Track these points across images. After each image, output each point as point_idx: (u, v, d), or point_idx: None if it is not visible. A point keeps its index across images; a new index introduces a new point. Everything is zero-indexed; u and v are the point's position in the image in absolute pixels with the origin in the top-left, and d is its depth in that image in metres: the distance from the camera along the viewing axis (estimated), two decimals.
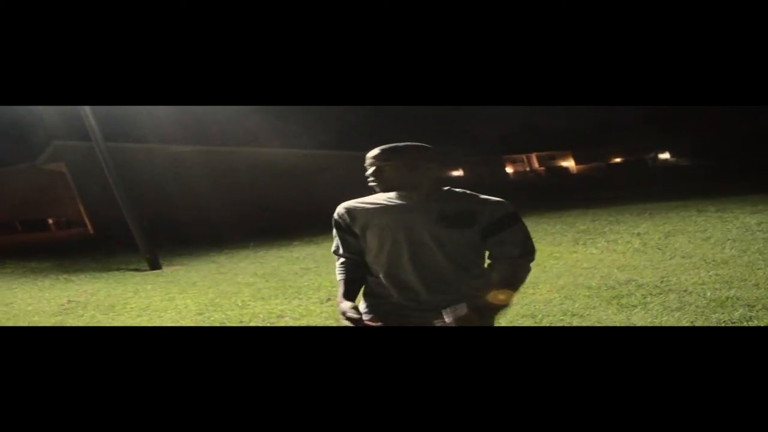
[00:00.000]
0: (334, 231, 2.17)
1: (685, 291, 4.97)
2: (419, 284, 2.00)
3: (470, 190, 2.08)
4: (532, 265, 2.09)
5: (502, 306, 2.01)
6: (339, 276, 2.16)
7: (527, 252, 2.05)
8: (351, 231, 2.12)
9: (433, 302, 1.97)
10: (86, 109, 10.28)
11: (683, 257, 6.65)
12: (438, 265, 1.99)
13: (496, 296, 1.98)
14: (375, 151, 2.00)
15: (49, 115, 15.96)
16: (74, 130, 15.36)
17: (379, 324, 1.94)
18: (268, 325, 5.22)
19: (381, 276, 2.06)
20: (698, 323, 4.04)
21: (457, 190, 2.10)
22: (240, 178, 20.42)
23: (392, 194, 2.07)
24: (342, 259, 2.19)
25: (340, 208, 2.14)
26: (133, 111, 16.70)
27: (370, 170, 2.00)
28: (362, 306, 2.13)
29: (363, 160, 2.02)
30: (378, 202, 2.09)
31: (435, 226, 1.97)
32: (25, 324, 6.12)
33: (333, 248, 2.20)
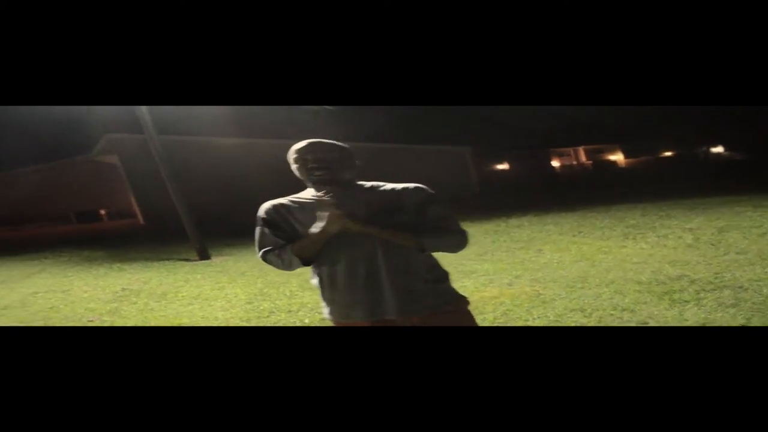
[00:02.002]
0: (262, 229, 2.10)
1: (740, 287, 4.83)
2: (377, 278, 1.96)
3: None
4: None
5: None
6: (285, 250, 2.04)
7: (458, 227, 2.03)
8: (281, 228, 2.07)
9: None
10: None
11: (738, 253, 6.46)
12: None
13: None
14: (315, 143, 2.01)
15: (102, 108, 16.38)
16: (126, 123, 15.78)
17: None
18: (317, 314, 5.30)
19: (330, 272, 2.03)
20: (754, 320, 3.94)
21: (367, 183, 2.10)
22: (288, 170, 20.63)
23: (312, 191, 2.06)
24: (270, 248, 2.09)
25: (268, 206, 2.11)
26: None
27: (313, 161, 2.00)
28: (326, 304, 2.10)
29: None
30: (308, 198, 2.06)
31: (372, 217, 1.94)
32: (82, 310, 6.34)
33: (264, 247, 2.09)
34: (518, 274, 6.42)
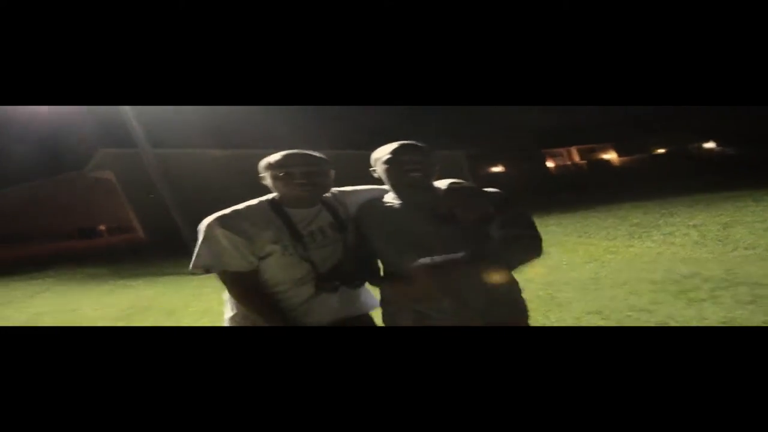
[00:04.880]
0: None
1: (756, 283, 4.82)
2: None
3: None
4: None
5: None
6: None
7: (533, 233, 1.92)
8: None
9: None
10: (129, 114, 10.56)
11: (746, 249, 6.49)
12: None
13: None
14: (408, 145, 1.97)
15: (91, 123, 16.34)
16: (117, 138, 15.76)
17: None
18: None
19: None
20: None
21: (443, 186, 2.02)
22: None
23: (391, 193, 2.05)
24: None
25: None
26: (176, 116, 17.12)
27: (385, 165, 1.98)
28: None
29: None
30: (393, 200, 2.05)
31: (430, 225, 1.89)
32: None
33: None
34: (529, 278, 6.41)
